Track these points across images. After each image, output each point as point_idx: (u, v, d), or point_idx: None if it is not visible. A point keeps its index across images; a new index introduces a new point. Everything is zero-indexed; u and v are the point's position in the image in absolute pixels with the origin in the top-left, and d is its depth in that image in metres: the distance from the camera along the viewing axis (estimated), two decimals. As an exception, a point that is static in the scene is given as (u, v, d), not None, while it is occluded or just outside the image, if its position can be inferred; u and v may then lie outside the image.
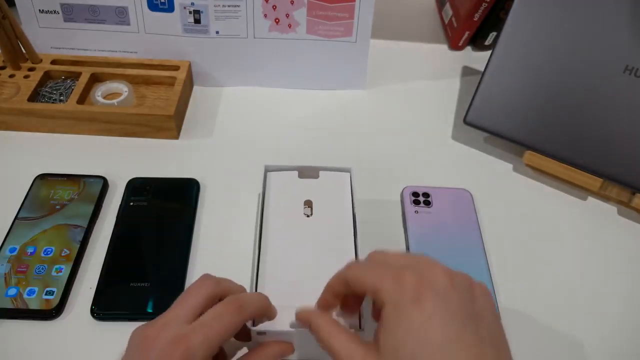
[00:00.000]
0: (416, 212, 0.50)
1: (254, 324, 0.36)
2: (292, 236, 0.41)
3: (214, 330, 0.32)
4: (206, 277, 0.35)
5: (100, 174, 0.50)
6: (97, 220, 0.48)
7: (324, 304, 0.35)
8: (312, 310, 0.35)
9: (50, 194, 0.48)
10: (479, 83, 0.55)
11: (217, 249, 0.47)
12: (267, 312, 0.36)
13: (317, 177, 0.46)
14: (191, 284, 0.35)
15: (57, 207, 0.47)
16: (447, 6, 0.74)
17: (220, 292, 0.35)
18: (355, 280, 0.32)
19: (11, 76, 0.57)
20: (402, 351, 0.29)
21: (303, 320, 0.34)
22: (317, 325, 0.33)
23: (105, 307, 0.42)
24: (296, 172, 0.45)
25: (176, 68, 0.60)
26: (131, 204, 0.48)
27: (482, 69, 0.55)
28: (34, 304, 0.41)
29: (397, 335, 0.29)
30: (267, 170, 0.46)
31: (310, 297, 0.37)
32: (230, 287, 0.36)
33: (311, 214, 0.44)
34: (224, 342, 0.33)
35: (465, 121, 0.56)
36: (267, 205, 0.44)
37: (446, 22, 0.74)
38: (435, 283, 0.30)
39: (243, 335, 0.37)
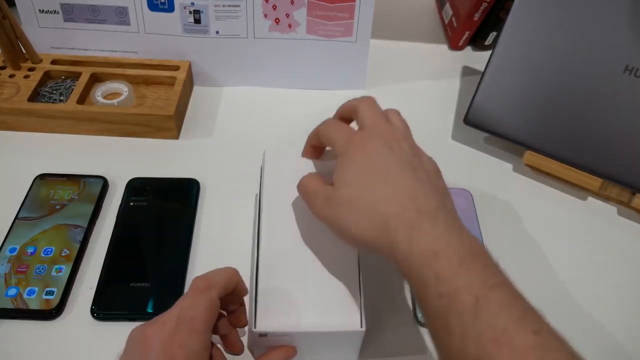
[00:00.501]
0: (416, 212, 0.50)
1: (255, 326, 0.36)
2: (292, 224, 0.40)
3: (195, 318, 0.32)
4: (199, 279, 0.34)
5: (100, 174, 0.50)
6: (97, 220, 0.48)
7: (307, 154, 0.43)
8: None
9: (50, 194, 0.48)
10: (479, 83, 0.55)
11: (217, 248, 0.47)
12: (237, 283, 0.35)
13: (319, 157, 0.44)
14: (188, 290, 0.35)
15: (57, 207, 0.47)
16: (447, 6, 0.74)
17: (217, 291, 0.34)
18: (322, 135, 0.39)
19: (11, 76, 0.57)
20: (345, 180, 0.35)
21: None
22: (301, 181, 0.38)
23: (105, 307, 0.42)
24: (298, 151, 0.43)
25: (176, 68, 0.60)
26: (131, 204, 0.48)
27: (482, 69, 0.55)
28: (34, 304, 0.41)
29: (344, 170, 0.35)
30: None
31: (311, 290, 0.37)
32: (223, 282, 0.35)
33: None
34: (211, 324, 0.33)
35: (465, 121, 0.56)
36: (265, 190, 0.41)
37: (446, 22, 0.74)
38: (381, 139, 0.36)
39: (233, 344, 0.37)
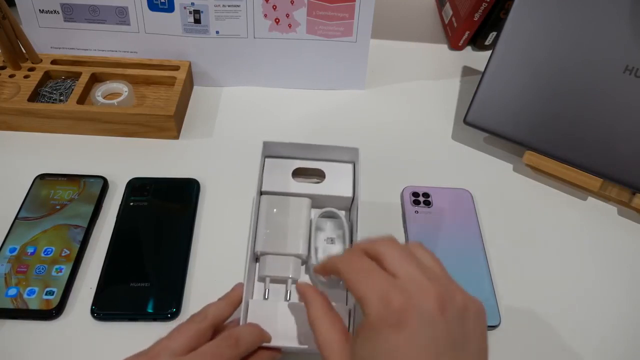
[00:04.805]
0: (416, 212, 0.50)
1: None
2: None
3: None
4: (194, 315, 0.36)
5: (100, 174, 0.50)
6: (97, 220, 0.48)
7: (318, 271, 0.37)
8: (310, 286, 0.36)
9: (50, 194, 0.48)
10: (479, 83, 0.55)
11: (217, 248, 0.47)
12: (262, 342, 0.36)
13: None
14: (182, 322, 0.36)
15: (57, 207, 0.47)
16: (447, 6, 0.74)
17: (210, 325, 0.36)
18: (346, 280, 0.32)
19: (11, 76, 0.57)
20: None
21: (300, 292, 0.36)
22: (309, 303, 0.35)
23: (105, 307, 0.42)
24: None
25: (176, 68, 0.60)
26: (131, 204, 0.48)
27: (482, 69, 0.55)
28: (34, 304, 0.41)
29: (371, 352, 0.29)
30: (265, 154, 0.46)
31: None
32: (219, 313, 0.37)
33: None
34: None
35: (465, 121, 0.56)
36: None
37: (446, 22, 0.74)
38: (421, 309, 0.29)
39: None
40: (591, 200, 0.54)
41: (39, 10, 0.57)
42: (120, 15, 0.57)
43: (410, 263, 0.32)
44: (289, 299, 0.42)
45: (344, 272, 0.33)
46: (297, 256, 0.43)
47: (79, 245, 0.45)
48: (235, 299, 0.38)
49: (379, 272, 0.31)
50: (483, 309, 0.32)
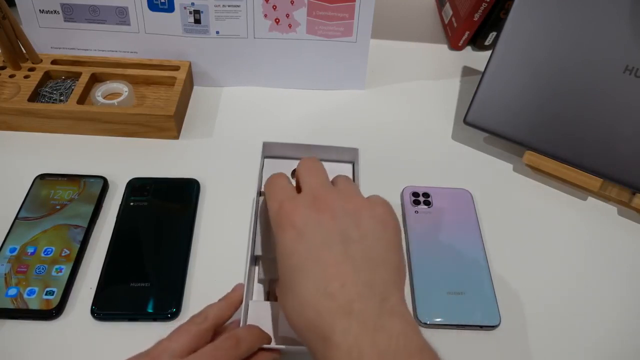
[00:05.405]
0: (416, 212, 0.50)
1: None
2: None
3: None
4: (195, 316, 0.37)
5: (100, 174, 0.50)
6: (97, 220, 0.48)
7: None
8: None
9: (50, 194, 0.48)
10: (479, 83, 0.55)
11: (217, 248, 0.47)
12: (262, 343, 0.36)
13: None
14: (182, 323, 0.36)
15: (57, 207, 0.47)
16: (447, 6, 0.74)
17: (210, 326, 0.36)
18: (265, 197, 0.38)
19: (11, 76, 0.57)
20: (280, 273, 0.33)
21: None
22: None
23: (105, 307, 0.42)
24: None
25: (176, 68, 0.60)
26: (131, 204, 0.48)
27: (482, 69, 0.55)
28: (34, 304, 0.41)
29: (278, 255, 0.34)
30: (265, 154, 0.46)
31: None
32: (220, 315, 0.37)
33: None
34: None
35: (465, 121, 0.56)
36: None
37: (446, 22, 0.74)
38: (308, 214, 0.33)
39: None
40: (591, 200, 0.54)
41: (39, 10, 0.57)
42: (120, 15, 0.57)
43: (313, 178, 0.36)
44: None
45: (265, 191, 0.38)
46: None
47: (79, 245, 0.45)
48: (235, 300, 0.38)
49: (284, 187, 0.36)
50: (385, 214, 0.35)
